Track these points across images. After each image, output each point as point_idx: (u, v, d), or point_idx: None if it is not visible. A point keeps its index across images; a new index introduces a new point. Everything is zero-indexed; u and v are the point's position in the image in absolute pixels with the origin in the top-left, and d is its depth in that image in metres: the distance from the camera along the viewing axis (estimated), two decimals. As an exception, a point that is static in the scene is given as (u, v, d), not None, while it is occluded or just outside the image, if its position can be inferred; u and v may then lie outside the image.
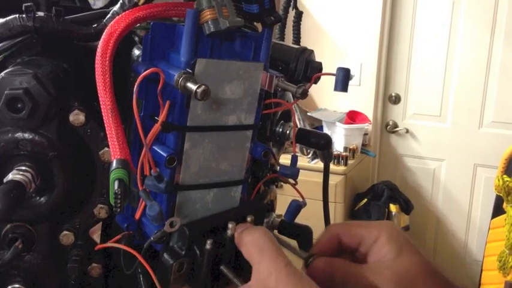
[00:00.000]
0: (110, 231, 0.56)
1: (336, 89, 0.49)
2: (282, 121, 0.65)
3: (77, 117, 0.49)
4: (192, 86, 0.42)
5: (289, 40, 1.02)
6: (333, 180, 2.81)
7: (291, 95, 0.67)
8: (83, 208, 0.53)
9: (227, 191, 0.54)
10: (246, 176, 0.55)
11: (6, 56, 0.47)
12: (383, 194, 3.01)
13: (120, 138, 0.44)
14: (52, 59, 0.50)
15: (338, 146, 2.99)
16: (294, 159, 0.59)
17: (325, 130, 3.10)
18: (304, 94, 0.49)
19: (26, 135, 0.47)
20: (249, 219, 0.50)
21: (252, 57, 0.50)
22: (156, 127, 0.46)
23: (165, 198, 0.49)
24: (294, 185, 0.60)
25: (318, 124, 3.17)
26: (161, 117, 0.46)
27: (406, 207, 3.08)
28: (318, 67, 0.61)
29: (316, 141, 0.62)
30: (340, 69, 0.49)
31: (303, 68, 0.61)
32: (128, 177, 0.41)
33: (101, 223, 0.54)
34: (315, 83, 0.60)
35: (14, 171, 0.47)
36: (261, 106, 0.53)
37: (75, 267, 0.52)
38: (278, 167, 0.63)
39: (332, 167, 2.91)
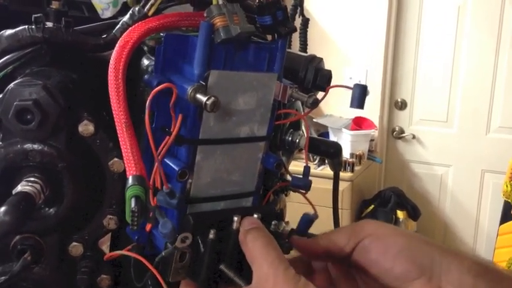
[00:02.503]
0: (119, 242, 0.56)
1: (352, 105, 0.48)
2: (291, 130, 0.64)
3: (86, 127, 0.49)
4: (201, 98, 0.42)
5: (295, 48, 1.02)
6: (340, 186, 2.77)
7: (299, 103, 0.66)
8: (92, 219, 0.52)
9: (238, 202, 0.53)
10: (257, 187, 0.54)
11: (16, 67, 0.47)
12: (390, 200, 2.99)
13: (136, 154, 0.43)
14: (61, 70, 0.50)
15: (344, 153, 2.98)
16: (306, 170, 0.58)
17: (331, 136, 3.09)
18: (315, 104, 0.48)
19: (35, 146, 0.47)
20: (255, 215, 0.49)
21: (266, 68, 0.50)
22: (169, 141, 0.46)
23: (176, 212, 0.49)
24: (305, 196, 0.60)
25: (323, 130, 3.16)
26: (175, 131, 0.45)
27: (414, 213, 3.06)
28: (328, 75, 0.61)
29: (326, 150, 0.61)
30: (356, 85, 0.49)
31: (312, 77, 0.60)
32: (144, 194, 0.40)
33: (110, 234, 0.54)
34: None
35: (23, 183, 0.47)
36: (274, 117, 0.53)
37: (85, 278, 0.51)
38: (288, 176, 0.63)
39: (339, 173, 2.90)
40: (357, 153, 2.98)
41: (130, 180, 0.40)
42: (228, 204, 0.52)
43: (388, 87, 3.26)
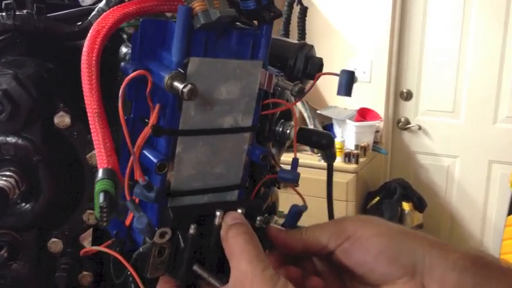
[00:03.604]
0: (102, 237, 0.54)
1: (339, 93, 0.46)
2: (282, 120, 0.62)
3: (62, 119, 0.47)
4: (178, 85, 0.40)
5: (294, 37, 0.99)
6: (344, 178, 2.78)
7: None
8: (72, 214, 0.50)
9: (222, 196, 0.51)
10: (243, 180, 0.52)
11: (-13, 56, 0.45)
12: (395, 192, 2.96)
13: (108, 146, 0.41)
14: (36, 59, 0.48)
15: (349, 144, 2.96)
16: (295, 163, 0.56)
17: (336, 128, 3.06)
18: (301, 92, 0.46)
19: (9, 138, 0.45)
20: (239, 210, 0.47)
21: (250, 55, 0.48)
22: (146, 131, 0.44)
23: (155, 206, 0.47)
24: (295, 188, 0.57)
25: (328, 122, 3.14)
26: (151, 121, 0.43)
27: (420, 205, 3.03)
28: (319, 63, 0.58)
29: (317, 141, 0.59)
30: (343, 72, 0.46)
31: (303, 65, 0.58)
32: (114, 188, 0.38)
33: (91, 229, 0.52)
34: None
35: (-3, 177, 0.45)
36: (260, 106, 0.50)
37: (64, 276, 0.49)
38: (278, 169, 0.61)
39: (343, 165, 2.88)
40: (362, 144, 2.95)
41: (99, 174, 0.38)
42: (212, 198, 0.50)
43: (393, 77, 3.22)
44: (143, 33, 0.44)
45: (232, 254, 0.44)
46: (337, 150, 2.85)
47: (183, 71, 0.42)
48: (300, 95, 0.46)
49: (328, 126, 3.14)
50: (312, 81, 0.59)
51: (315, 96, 3.17)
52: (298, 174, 0.55)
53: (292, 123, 0.61)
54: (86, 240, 0.52)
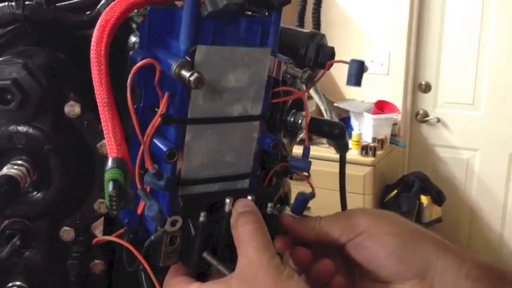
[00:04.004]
0: (114, 226, 0.54)
1: (348, 83, 0.45)
2: (294, 110, 0.62)
3: (72, 108, 0.47)
4: (185, 74, 0.40)
5: (309, 28, 0.99)
6: (361, 171, 2.76)
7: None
8: (83, 203, 0.51)
9: (233, 184, 0.51)
10: (254, 168, 0.52)
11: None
12: (413, 185, 2.94)
13: (117, 135, 0.41)
14: (47, 49, 0.48)
15: (366, 137, 2.93)
16: (306, 151, 0.55)
17: (353, 121, 3.04)
18: (310, 79, 0.45)
19: (20, 128, 0.46)
20: (249, 197, 0.47)
21: (259, 42, 0.47)
22: (155, 120, 0.44)
23: (167, 194, 0.47)
24: (305, 177, 0.57)
25: (345, 115, 3.12)
26: (160, 109, 0.43)
27: (438, 198, 3.00)
28: (330, 52, 0.58)
29: (329, 131, 0.59)
30: (353, 61, 0.45)
31: (314, 54, 0.57)
32: (123, 177, 0.38)
33: (102, 218, 0.53)
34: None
35: (9, 165, 0.46)
36: (269, 94, 0.50)
37: (76, 264, 0.50)
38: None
39: (360, 158, 2.86)
40: (379, 137, 2.92)
41: (109, 163, 0.39)
42: (222, 187, 0.50)
43: (411, 69, 3.18)
44: (151, 22, 0.44)
45: (240, 242, 0.44)
46: (354, 143, 2.83)
47: (190, 59, 0.42)
48: (309, 81, 0.45)
49: (345, 119, 3.12)
50: (325, 72, 0.58)
51: (332, 88, 3.15)
52: (309, 162, 0.55)
53: (304, 113, 0.60)
54: (98, 229, 0.53)
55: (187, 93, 0.44)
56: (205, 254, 0.46)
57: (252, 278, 0.41)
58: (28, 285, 0.51)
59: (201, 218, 0.45)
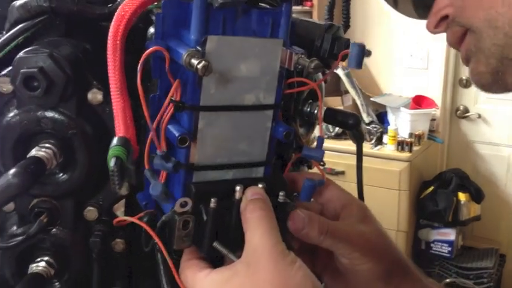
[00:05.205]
0: (136, 208, 0.57)
1: (349, 65, 0.47)
2: (311, 100, 0.63)
3: (94, 95, 0.50)
4: (194, 62, 0.42)
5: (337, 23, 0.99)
6: (397, 167, 2.74)
7: (320, 74, 0.65)
8: (105, 185, 0.54)
9: (247, 172, 0.53)
10: (268, 157, 0.54)
11: (28, 37, 0.49)
12: (451, 182, 2.89)
13: (127, 118, 0.44)
14: (73, 40, 0.52)
15: (403, 132, 2.90)
16: (320, 141, 0.57)
17: (390, 116, 3.01)
18: (318, 68, 0.47)
19: (47, 113, 0.49)
20: (260, 185, 0.49)
21: (270, 33, 0.49)
22: (165, 106, 0.46)
23: (181, 178, 0.49)
24: (318, 166, 0.59)
25: (382, 110, 3.09)
26: (169, 96, 0.46)
27: (477, 196, 2.94)
28: (345, 43, 0.59)
29: (343, 120, 0.60)
30: (354, 44, 0.48)
31: (329, 45, 0.58)
32: (126, 155, 0.41)
33: (124, 200, 0.56)
34: (342, 60, 0.57)
35: (37, 148, 0.49)
36: (282, 85, 0.52)
37: (97, 241, 0.53)
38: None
39: (396, 153, 2.83)
40: (416, 133, 2.88)
41: (114, 141, 0.42)
42: (237, 174, 0.52)
43: (451, 64, 3.11)
44: (165, 14, 0.46)
45: (247, 229, 0.46)
46: (390, 138, 2.80)
47: (201, 49, 0.44)
48: (316, 71, 0.47)
49: (382, 114, 3.09)
50: (339, 62, 0.59)
51: (369, 83, 3.13)
52: (323, 152, 0.56)
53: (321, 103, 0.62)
54: (119, 210, 0.56)
55: (199, 81, 0.46)
56: (215, 244, 0.48)
57: (255, 263, 0.43)
58: (54, 260, 0.54)
59: (212, 204, 0.47)
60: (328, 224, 0.51)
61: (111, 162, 0.41)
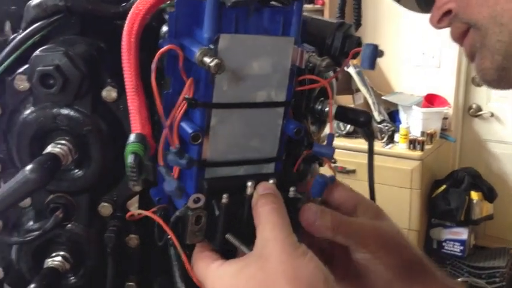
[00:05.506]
0: (150, 204, 0.58)
1: (362, 65, 0.47)
2: (322, 98, 0.63)
3: (109, 93, 0.51)
4: (207, 60, 0.43)
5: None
6: (409, 165, 2.73)
7: (331, 72, 0.65)
8: (120, 181, 0.55)
9: (258, 168, 0.53)
10: (279, 153, 0.54)
11: (44, 35, 0.50)
12: (463, 181, 2.87)
13: (142, 114, 0.45)
14: (88, 38, 0.53)
15: (415, 131, 2.89)
16: (330, 138, 0.57)
17: (401, 114, 3.00)
18: (329, 66, 0.47)
19: (62, 110, 0.50)
20: (271, 181, 0.50)
21: (282, 32, 0.50)
22: (178, 103, 0.47)
23: (194, 175, 0.50)
24: (329, 164, 0.59)
25: (393, 108, 3.08)
26: (183, 93, 0.47)
27: (490, 195, 2.92)
28: (356, 42, 0.59)
29: (354, 118, 0.60)
30: (367, 45, 0.48)
31: (340, 43, 0.59)
32: (143, 151, 0.42)
33: (138, 196, 0.57)
34: (354, 58, 0.58)
35: (53, 144, 0.50)
36: (293, 82, 0.52)
37: (112, 237, 0.54)
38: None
39: (408, 152, 2.83)
40: (428, 131, 2.87)
41: (131, 138, 0.42)
42: (248, 170, 0.53)
43: (464, 62, 3.09)
44: (178, 12, 0.47)
45: (259, 222, 0.46)
46: (401, 136, 2.79)
47: (214, 47, 0.45)
48: (327, 69, 0.47)
49: (393, 112, 3.08)
50: (349, 59, 0.60)
51: (380, 82, 3.12)
52: (333, 149, 0.56)
53: (332, 101, 0.62)
54: (133, 206, 0.57)
55: (211, 79, 0.47)
56: (228, 235, 0.49)
57: (267, 255, 0.44)
58: (70, 255, 0.55)
59: (224, 200, 0.48)
60: (341, 218, 0.51)
61: (129, 159, 0.42)
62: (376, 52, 0.47)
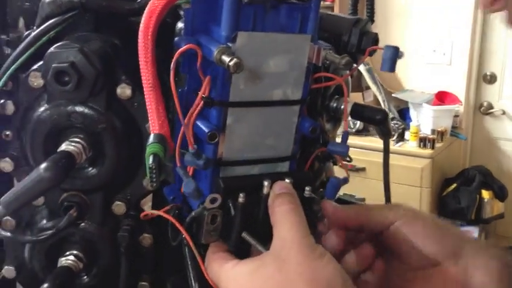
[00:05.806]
0: (163, 203, 0.58)
1: (382, 68, 0.46)
2: (337, 96, 0.63)
3: (123, 90, 0.50)
4: (225, 59, 0.42)
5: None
6: (419, 163, 2.71)
7: (347, 69, 0.64)
8: (133, 180, 0.55)
9: (273, 167, 0.53)
10: (293, 151, 0.53)
11: (59, 32, 0.50)
12: (474, 179, 2.85)
13: (160, 114, 0.44)
14: (102, 35, 0.52)
15: (425, 129, 2.86)
16: (344, 136, 0.56)
17: (412, 112, 2.98)
18: (348, 64, 0.46)
19: (77, 107, 0.50)
20: (287, 180, 0.49)
21: (299, 29, 0.49)
22: (197, 102, 0.46)
23: (209, 174, 0.50)
24: (343, 162, 0.58)
25: (403, 106, 3.06)
26: (201, 92, 0.46)
27: (501, 193, 2.89)
28: (373, 38, 0.58)
29: (370, 116, 0.59)
30: (387, 47, 0.47)
31: (357, 40, 0.58)
32: (163, 152, 0.41)
33: (151, 195, 0.56)
34: (370, 55, 0.57)
35: (67, 142, 0.50)
36: (309, 80, 0.52)
37: (126, 236, 0.54)
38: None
39: (418, 150, 2.80)
40: (439, 129, 2.85)
41: (151, 138, 0.42)
42: (263, 169, 0.52)
43: (475, 60, 3.06)
44: (195, 9, 0.46)
45: (276, 221, 0.46)
46: (412, 134, 2.77)
47: (231, 45, 0.44)
48: (347, 67, 0.46)
49: (403, 110, 3.06)
50: (366, 57, 0.59)
51: (390, 79, 3.09)
52: (347, 147, 0.56)
53: (348, 98, 0.61)
54: (146, 205, 0.56)
55: (228, 77, 0.46)
56: (244, 234, 0.48)
57: (284, 256, 0.43)
58: (83, 254, 0.55)
59: (240, 199, 0.47)
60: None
61: (150, 160, 0.41)
62: (396, 54, 0.46)
